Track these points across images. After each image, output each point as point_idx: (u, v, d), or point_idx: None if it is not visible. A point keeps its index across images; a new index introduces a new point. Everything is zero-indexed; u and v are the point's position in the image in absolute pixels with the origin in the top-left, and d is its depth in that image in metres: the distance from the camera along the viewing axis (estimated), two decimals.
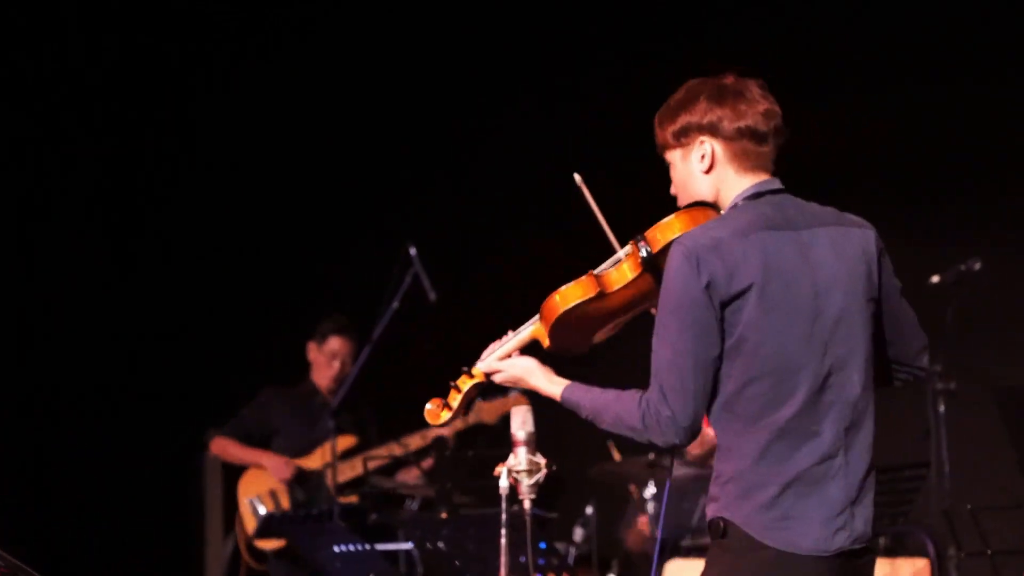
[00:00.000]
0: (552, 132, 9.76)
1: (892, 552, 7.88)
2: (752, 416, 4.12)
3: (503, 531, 5.81)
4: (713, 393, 4.15)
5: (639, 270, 4.35)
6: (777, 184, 4.34)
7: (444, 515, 7.59)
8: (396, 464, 9.11)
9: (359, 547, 7.48)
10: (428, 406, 4.65)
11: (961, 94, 9.04)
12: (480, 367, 4.57)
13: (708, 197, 4.34)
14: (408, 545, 8.41)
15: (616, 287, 4.39)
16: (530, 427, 5.49)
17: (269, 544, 9.08)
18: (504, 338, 4.60)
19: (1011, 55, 8.91)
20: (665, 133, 4.35)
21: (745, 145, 4.29)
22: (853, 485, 4.14)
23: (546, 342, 4.49)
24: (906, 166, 9.19)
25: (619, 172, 7.96)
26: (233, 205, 10.86)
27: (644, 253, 4.32)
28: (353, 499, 8.92)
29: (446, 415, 4.61)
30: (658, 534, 5.66)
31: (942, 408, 8.03)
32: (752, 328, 4.09)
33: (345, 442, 9.09)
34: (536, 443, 5.40)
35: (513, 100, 10.15)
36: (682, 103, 4.32)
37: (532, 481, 5.58)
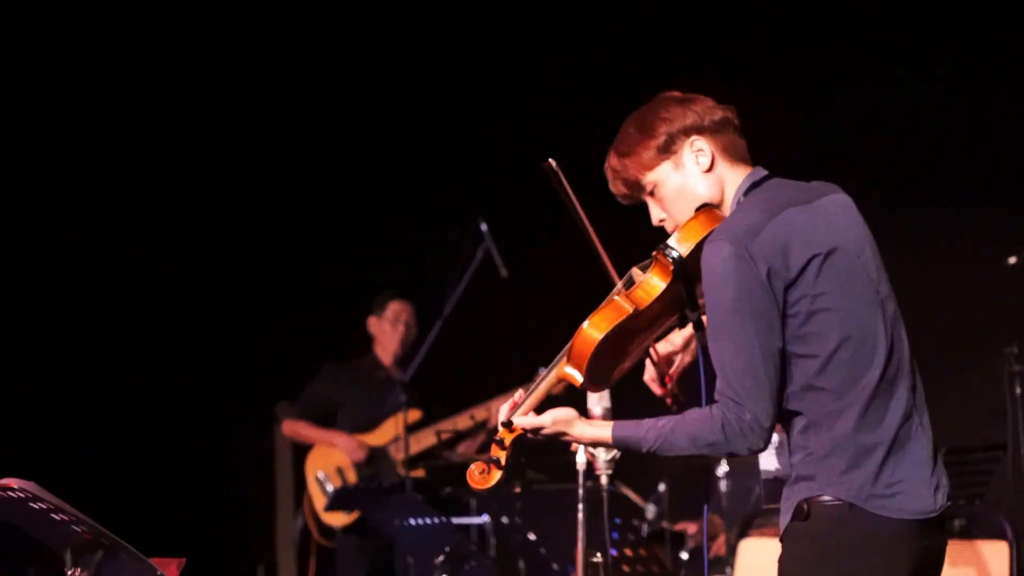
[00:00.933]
0: (623, 108, 9.54)
1: (967, 534, 7.73)
2: (842, 385, 3.97)
3: (580, 506, 5.76)
4: (789, 377, 4.02)
5: (670, 278, 4.15)
6: (765, 171, 4.23)
7: (518, 490, 7.40)
8: (459, 437, 9.02)
9: (432, 520, 7.33)
10: (472, 470, 4.33)
11: None
12: (520, 422, 4.26)
13: (713, 197, 4.20)
14: (482, 519, 8.35)
15: (648, 302, 4.17)
16: (607, 403, 5.44)
17: (337, 520, 9.04)
18: (531, 386, 4.36)
19: None
20: (642, 155, 4.19)
21: (730, 137, 4.21)
22: (931, 442, 4.09)
23: (578, 380, 4.25)
24: (986, 151, 9.06)
25: None
26: (303, 183, 10.80)
27: (674, 256, 4.12)
28: (420, 472, 8.86)
29: (497, 474, 4.32)
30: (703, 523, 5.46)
31: (1018, 390, 7.94)
32: (821, 300, 3.97)
33: (412, 416, 8.99)
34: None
35: (583, 74, 9.95)
36: (652, 117, 4.21)
37: (609, 457, 5.57)
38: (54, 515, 4.93)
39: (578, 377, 4.22)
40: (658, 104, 4.22)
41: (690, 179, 4.17)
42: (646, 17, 9.87)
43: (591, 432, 4.19)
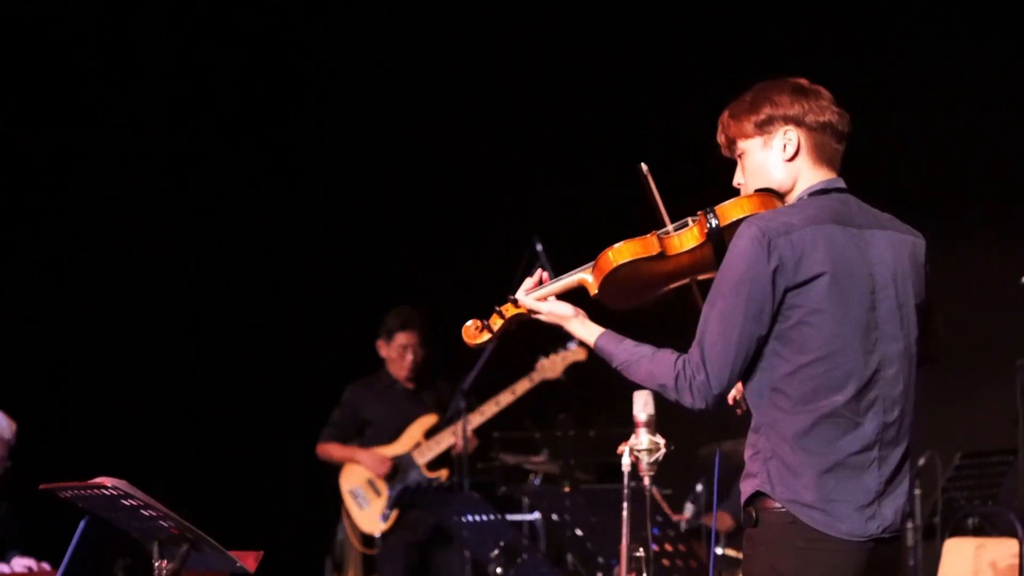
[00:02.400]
0: (677, 134, 9.57)
1: (981, 532, 7.74)
2: (802, 397, 3.96)
3: (625, 505, 5.75)
4: (755, 371, 4.01)
5: (703, 239, 4.17)
6: (843, 183, 4.20)
7: (567, 489, 7.43)
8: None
9: (488, 517, 7.35)
10: (468, 324, 4.37)
11: None
12: (525, 300, 4.31)
13: (784, 185, 4.20)
14: (534, 516, 8.36)
15: (677, 251, 4.20)
16: (651, 409, 5.42)
17: (374, 527, 9.15)
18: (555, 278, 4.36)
19: None
20: (744, 123, 4.19)
21: (825, 139, 4.17)
22: (885, 477, 3.99)
23: (593, 291, 4.25)
24: (1000, 174, 9.07)
25: None
26: (366, 204, 10.85)
27: (712, 224, 4.15)
28: (442, 473, 8.96)
29: (485, 336, 4.36)
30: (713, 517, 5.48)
31: None
32: (815, 314, 3.95)
33: (429, 421, 9.13)
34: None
35: (641, 100, 9.95)
36: (765, 96, 4.19)
37: (652, 460, 5.55)
38: (143, 511, 4.96)
39: (593, 287, 4.24)
40: (777, 86, 4.21)
41: (771, 161, 4.18)
42: (694, 39, 9.89)
43: (581, 330, 4.22)
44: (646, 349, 4.10)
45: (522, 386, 8.79)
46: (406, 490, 8.98)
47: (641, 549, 5.98)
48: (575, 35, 10.29)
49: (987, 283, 8.75)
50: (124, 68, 10.15)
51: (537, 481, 8.84)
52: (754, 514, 4.00)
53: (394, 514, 9.00)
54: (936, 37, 9.30)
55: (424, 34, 10.82)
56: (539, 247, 8.76)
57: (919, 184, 9.29)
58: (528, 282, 4.33)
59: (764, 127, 4.16)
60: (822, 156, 4.17)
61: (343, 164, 10.98)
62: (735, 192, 4.30)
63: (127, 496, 4.93)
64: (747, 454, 4.07)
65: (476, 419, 8.90)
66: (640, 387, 4.32)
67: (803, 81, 4.22)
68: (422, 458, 9.03)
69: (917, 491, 8.09)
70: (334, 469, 11.11)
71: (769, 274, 3.93)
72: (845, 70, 9.37)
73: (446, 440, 8.96)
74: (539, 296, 4.30)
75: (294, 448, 10.50)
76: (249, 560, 5.18)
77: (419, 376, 9.25)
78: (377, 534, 9.15)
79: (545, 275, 4.34)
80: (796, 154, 4.15)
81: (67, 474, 5.79)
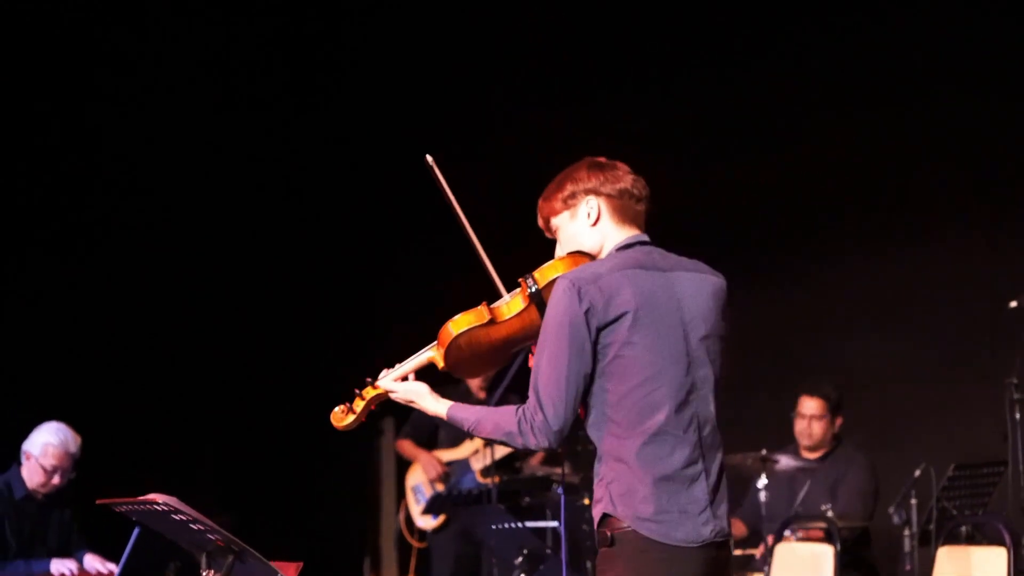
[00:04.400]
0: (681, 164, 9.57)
1: (972, 540, 7.72)
2: (630, 422, 4.10)
3: None
4: (589, 409, 4.17)
5: (527, 302, 4.33)
6: (646, 238, 4.40)
7: (587, 501, 7.47)
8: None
9: (513, 525, 7.38)
10: (336, 409, 4.60)
11: None
12: (382, 382, 4.51)
13: (594, 248, 4.38)
14: (555, 523, 8.40)
15: (505, 317, 4.35)
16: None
17: (427, 523, 9.29)
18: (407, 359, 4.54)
19: None
20: (553, 202, 4.41)
21: (625, 202, 4.38)
22: (712, 487, 4.15)
23: (441, 364, 4.44)
24: (993, 195, 9.07)
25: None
26: (407, 223, 10.88)
27: (532, 288, 4.31)
28: (497, 479, 8.94)
29: (350, 419, 4.55)
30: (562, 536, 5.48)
31: (1018, 415, 7.89)
32: (627, 347, 4.12)
33: None
34: None
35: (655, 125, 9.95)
36: (567, 176, 4.42)
37: None
38: (192, 525, 4.98)
39: (440, 360, 4.43)
40: (576, 166, 4.42)
41: (579, 229, 4.37)
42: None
43: (434, 406, 4.43)
44: (487, 408, 4.33)
45: None
46: (438, 497, 9.08)
47: None
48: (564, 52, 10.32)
49: (980, 305, 8.74)
50: (121, 63, 10.10)
51: (560, 491, 8.85)
52: (608, 535, 4.10)
53: (443, 515, 9.13)
54: (926, 62, 9.29)
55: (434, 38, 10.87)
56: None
57: (913, 208, 9.30)
58: (384, 372, 4.52)
59: (568, 201, 4.38)
60: (624, 217, 4.37)
61: (374, 180, 11.02)
62: None
63: (177, 511, 4.96)
64: (594, 480, 4.21)
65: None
66: None
67: (601, 159, 4.44)
68: (478, 464, 9.19)
69: (913, 500, 8.09)
70: (372, 474, 11.24)
71: (582, 315, 4.10)
72: (825, 74, 9.43)
73: (501, 450, 9.04)
74: (395, 376, 4.50)
75: (334, 456, 10.57)
76: (290, 571, 5.23)
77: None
78: (428, 529, 9.34)
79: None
80: (599, 219, 4.35)
81: (117, 481, 5.87)
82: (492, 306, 4.36)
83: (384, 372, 4.53)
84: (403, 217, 10.90)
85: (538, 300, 4.30)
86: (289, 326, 10.61)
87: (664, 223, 4.59)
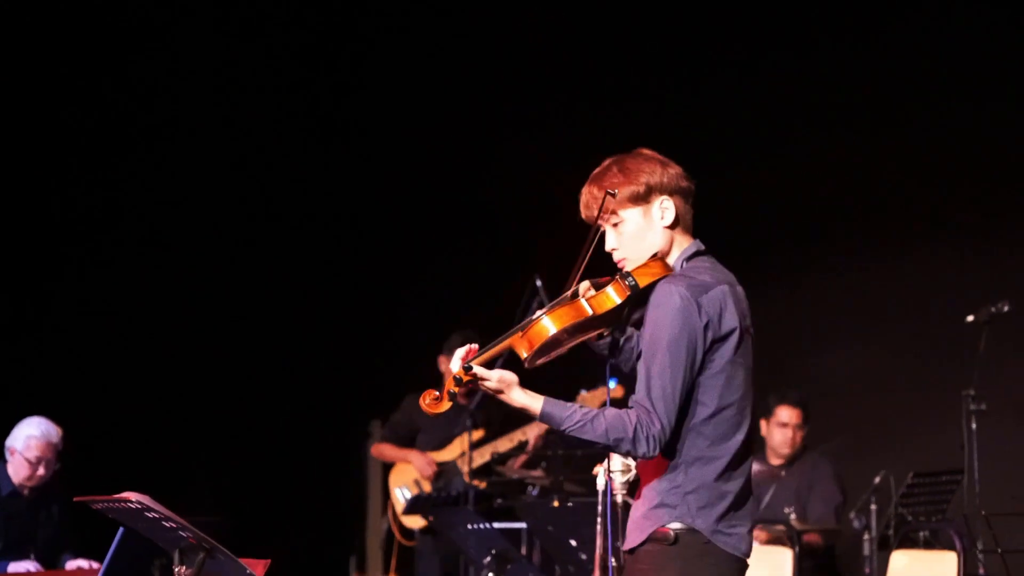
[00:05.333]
0: None
1: (929, 545, 7.81)
2: (720, 437, 4.11)
3: (599, 520, 5.80)
4: (681, 415, 4.10)
5: (625, 298, 4.19)
6: (703, 246, 4.29)
7: (556, 504, 7.50)
8: (506, 455, 9.17)
9: (484, 526, 7.43)
10: (427, 398, 4.25)
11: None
12: (477, 370, 4.15)
13: (663, 249, 4.25)
14: (524, 525, 8.46)
15: (603, 310, 4.19)
16: (631, 476, 5.44)
17: (415, 522, 9.27)
18: (489, 344, 4.27)
19: None
20: (622, 192, 4.20)
21: (688, 206, 4.27)
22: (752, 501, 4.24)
23: (523, 355, 4.21)
24: (952, 213, 9.16)
25: None
26: (400, 232, 10.96)
27: (631, 283, 4.18)
28: (483, 484, 9.01)
29: (447, 405, 4.25)
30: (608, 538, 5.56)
31: (974, 425, 7.97)
32: (731, 364, 4.10)
33: (476, 435, 9.19)
34: None
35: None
36: (637, 168, 4.21)
37: (624, 479, 5.54)
38: (164, 523, 5.01)
39: (524, 353, 4.20)
40: (641, 157, 4.25)
41: (653, 228, 4.23)
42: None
43: (524, 399, 4.13)
44: (591, 410, 4.11)
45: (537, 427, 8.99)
46: (418, 499, 9.11)
47: (614, 560, 6.07)
48: (582, 59, 10.32)
49: (940, 316, 8.81)
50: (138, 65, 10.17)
51: (535, 492, 8.92)
52: (672, 534, 4.10)
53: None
54: (889, 74, 9.36)
55: (436, 48, 10.93)
56: (539, 283, 8.83)
57: (877, 217, 9.36)
58: (461, 351, 4.22)
59: (644, 198, 4.21)
60: (688, 222, 4.28)
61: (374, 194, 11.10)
62: None
63: (149, 509, 5.01)
64: (662, 485, 4.15)
65: (504, 444, 9.11)
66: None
67: (654, 153, 4.27)
68: (465, 467, 9.11)
69: (873, 507, 8.20)
70: (359, 475, 11.24)
71: (702, 329, 4.05)
72: (800, 84, 9.47)
73: (486, 455, 9.06)
74: (481, 360, 4.21)
75: (322, 459, 10.62)
76: (259, 568, 5.24)
77: (471, 392, 9.25)
78: (416, 528, 9.29)
79: (475, 346, 4.25)
80: (671, 222, 4.23)
81: (109, 481, 5.92)
82: (588, 298, 4.20)
83: (463, 354, 4.22)
84: (389, 218, 10.99)
85: (634, 298, 4.19)
86: (280, 328, 10.62)
87: None
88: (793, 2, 9.61)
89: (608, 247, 4.31)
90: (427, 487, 9.24)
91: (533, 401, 4.14)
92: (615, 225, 4.26)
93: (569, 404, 4.17)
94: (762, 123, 9.50)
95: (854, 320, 9.37)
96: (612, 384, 8.54)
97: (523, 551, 8.69)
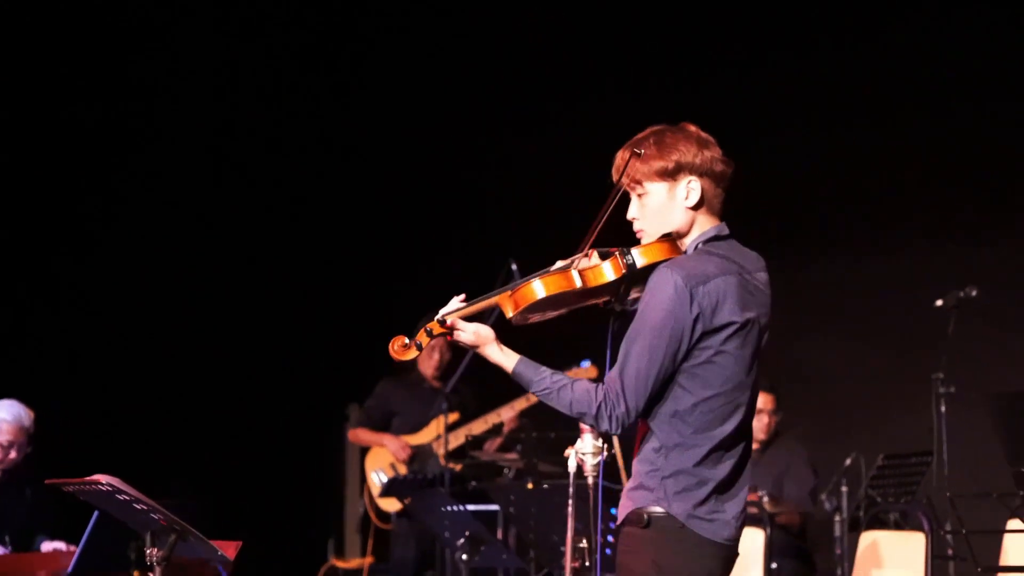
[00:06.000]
0: None
1: (899, 526, 7.81)
2: (701, 427, 4.03)
3: (570, 502, 5.80)
4: (660, 398, 4.03)
5: (619, 276, 4.10)
6: (727, 230, 4.19)
7: (530, 485, 7.47)
8: (481, 438, 9.16)
9: (458, 508, 7.40)
10: (395, 342, 4.23)
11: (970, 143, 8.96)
12: (453, 320, 4.17)
13: (682, 229, 4.15)
14: (496, 507, 8.44)
15: (594, 284, 4.12)
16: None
17: (392, 506, 9.27)
18: (475, 299, 4.24)
19: None
20: (650, 166, 4.09)
21: (718, 189, 4.15)
22: (747, 487, 4.14)
23: (509, 313, 4.15)
24: (927, 195, 9.17)
25: None
26: (378, 216, 10.94)
27: (630, 260, 4.09)
28: (459, 466, 9.00)
29: (412, 353, 4.24)
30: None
31: (943, 408, 7.96)
32: (720, 355, 4.01)
33: (451, 418, 9.18)
34: None
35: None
36: (672, 144, 4.11)
37: (595, 462, 5.55)
38: (136, 505, 5.01)
39: (509, 312, 4.15)
40: (681, 133, 4.13)
41: (675, 207, 4.12)
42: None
43: (498, 356, 4.13)
44: (563, 378, 4.09)
45: (520, 404, 8.98)
46: (394, 481, 9.09)
47: (584, 540, 6.05)
48: (564, 56, 10.29)
49: (909, 301, 8.81)
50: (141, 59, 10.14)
51: (511, 475, 8.90)
52: (645, 516, 4.03)
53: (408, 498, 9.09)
54: (861, 45, 9.37)
55: (415, 46, 10.90)
56: (514, 267, 8.79)
57: (845, 202, 9.36)
58: (452, 303, 4.23)
59: (672, 175, 4.10)
60: (715, 205, 4.17)
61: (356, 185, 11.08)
62: None
63: (120, 492, 4.99)
64: (642, 468, 4.09)
65: (479, 427, 9.11)
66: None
67: (700, 131, 4.16)
68: (441, 449, 9.07)
69: (844, 488, 8.22)
70: (337, 458, 11.23)
71: (691, 321, 3.97)
72: (773, 80, 9.46)
73: (461, 437, 9.03)
74: (461, 314, 4.21)
75: (300, 443, 10.59)
76: (230, 549, 5.21)
77: (445, 375, 9.34)
78: (392, 511, 9.27)
79: (462, 296, 4.25)
80: (696, 203, 4.12)
81: (85, 465, 5.87)
82: (580, 270, 4.13)
83: (448, 307, 4.22)
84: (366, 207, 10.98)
85: (630, 276, 4.10)
86: (258, 311, 10.58)
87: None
88: (794, 2, 9.63)
89: (629, 215, 4.21)
90: (403, 470, 9.23)
91: (507, 359, 4.13)
92: (640, 196, 4.17)
93: (543, 369, 4.12)
94: (736, 116, 9.48)
95: (824, 306, 9.38)
96: (585, 364, 8.59)
97: (499, 534, 8.68)
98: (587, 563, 6.04)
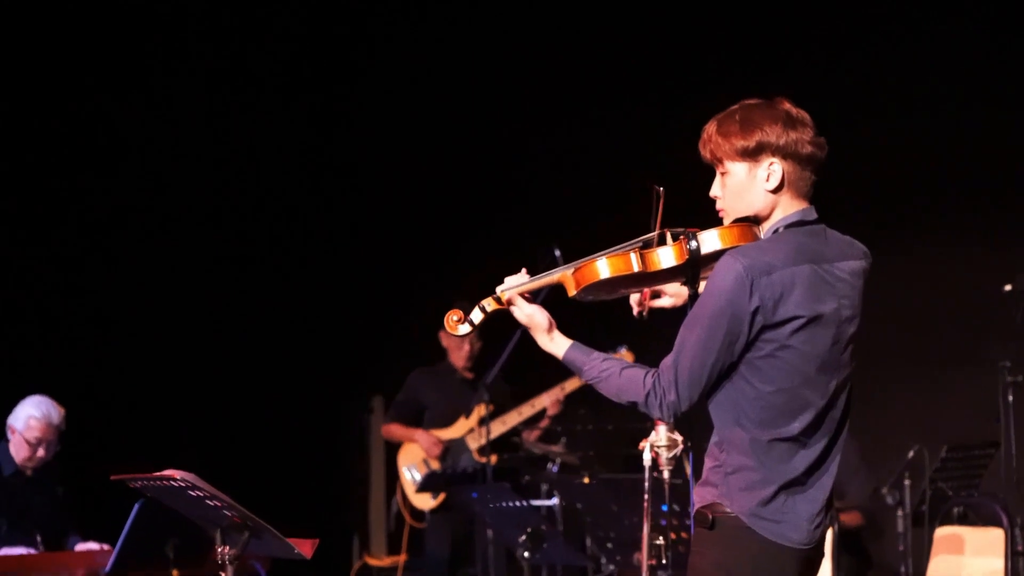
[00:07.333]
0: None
1: (965, 520, 7.70)
2: (764, 422, 3.88)
3: (646, 496, 5.72)
4: (720, 389, 3.92)
5: (681, 262, 4.04)
6: (815, 214, 4.02)
7: (586, 480, 7.39)
8: (523, 425, 9.10)
9: (515, 503, 7.31)
10: (451, 316, 4.29)
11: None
12: (508, 295, 4.16)
13: (762, 212, 4.01)
14: (552, 502, 8.36)
15: (656, 268, 4.07)
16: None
17: (426, 504, 9.17)
18: (536, 275, 4.22)
19: None
20: (732, 145, 3.97)
21: (806, 173, 3.98)
22: (829, 489, 3.96)
23: (571, 291, 4.13)
24: (988, 179, 9.03)
25: None
26: (413, 211, 10.90)
27: (693, 246, 4.01)
28: (493, 459, 8.85)
29: (466, 328, 4.26)
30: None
31: (1011, 397, 7.87)
32: (784, 350, 3.85)
33: (482, 409, 9.04)
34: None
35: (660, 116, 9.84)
36: (757, 123, 3.96)
37: (671, 455, 5.51)
38: (208, 501, 4.94)
39: (571, 290, 4.12)
40: (767, 112, 3.98)
41: (754, 188, 3.98)
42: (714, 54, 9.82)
43: (549, 344, 4.10)
44: (614, 365, 4.02)
45: (554, 394, 8.91)
46: (433, 475, 9.00)
47: (660, 537, 5.96)
48: (600, 46, 10.20)
49: (975, 287, 8.68)
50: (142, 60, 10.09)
51: (555, 469, 8.82)
52: (710, 517, 3.92)
53: (442, 495, 9.02)
54: (919, 35, 9.28)
55: (447, 36, 10.82)
56: (557, 253, 8.69)
57: (908, 189, 9.26)
58: (514, 278, 4.19)
59: (753, 155, 3.96)
60: (801, 189, 4.00)
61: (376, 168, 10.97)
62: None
63: (194, 487, 4.91)
64: (708, 463, 3.98)
65: (513, 419, 9.01)
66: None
67: (792, 109, 4.01)
68: (474, 443, 9.03)
69: (907, 481, 8.09)
70: (361, 451, 11.16)
71: (750, 312, 3.83)
72: (828, 70, 9.36)
73: (497, 429, 8.94)
74: (520, 290, 4.17)
75: (326, 436, 10.52)
76: (306, 547, 5.16)
77: (476, 366, 9.27)
78: (426, 509, 9.19)
79: (523, 274, 4.22)
80: (777, 186, 3.97)
81: (106, 459, 5.80)
82: (643, 252, 4.07)
83: (508, 281, 4.20)
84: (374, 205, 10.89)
85: (694, 261, 4.03)
86: (281, 304, 10.55)
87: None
88: (799, 4, 9.54)
89: (712, 193, 4.09)
90: (435, 465, 9.12)
91: (558, 347, 4.11)
92: (722, 174, 4.03)
93: (594, 355, 4.07)
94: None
95: (888, 292, 9.26)
96: (622, 350, 8.48)
97: None
98: (663, 560, 5.95)
